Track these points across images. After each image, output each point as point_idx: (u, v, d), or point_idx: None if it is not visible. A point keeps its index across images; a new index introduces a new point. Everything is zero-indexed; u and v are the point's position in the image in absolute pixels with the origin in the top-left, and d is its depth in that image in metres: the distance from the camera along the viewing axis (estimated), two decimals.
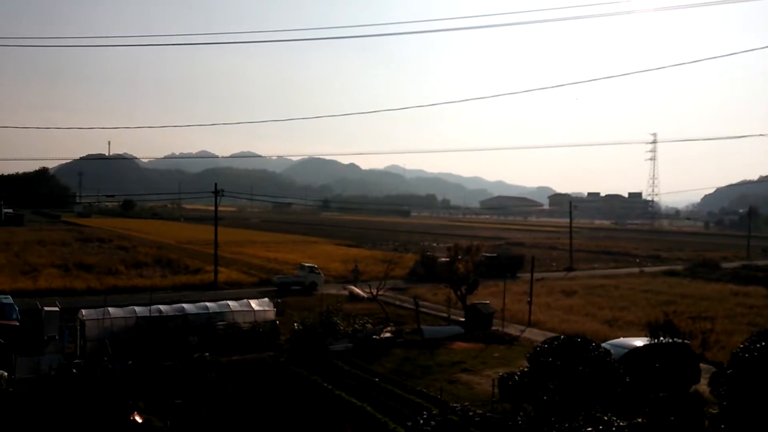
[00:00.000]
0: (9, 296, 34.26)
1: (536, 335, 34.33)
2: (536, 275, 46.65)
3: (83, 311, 29.26)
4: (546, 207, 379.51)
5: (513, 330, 36.90)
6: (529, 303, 40.28)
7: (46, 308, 31.86)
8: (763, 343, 17.10)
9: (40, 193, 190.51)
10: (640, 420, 16.38)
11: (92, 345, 27.71)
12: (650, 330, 23.23)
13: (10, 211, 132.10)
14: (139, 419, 19.30)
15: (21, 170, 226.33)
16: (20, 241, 79.68)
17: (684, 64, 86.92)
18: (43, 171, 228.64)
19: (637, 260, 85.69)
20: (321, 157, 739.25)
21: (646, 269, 73.13)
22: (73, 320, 30.14)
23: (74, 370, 22.00)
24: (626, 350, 23.29)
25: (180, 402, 21.28)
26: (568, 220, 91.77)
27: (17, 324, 30.32)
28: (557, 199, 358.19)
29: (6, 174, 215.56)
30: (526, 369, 20.91)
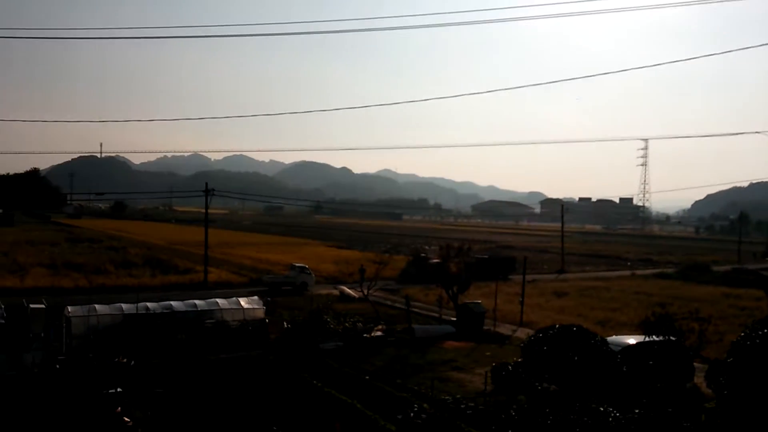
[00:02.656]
0: None
1: (528, 335, 34.05)
2: (528, 277, 46.42)
3: (69, 308, 28.78)
4: (537, 211, 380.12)
5: (505, 330, 36.65)
6: (521, 303, 40.05)
7: (32, 306, 31.27)
8: (765, 330, 16.90)
9: (30, 194, 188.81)
10: (637, 412, 16.09)
11: (78, 342, 27.21)
12: (645, 327, 22.98)
13: (0, 211, 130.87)
14: (126, 419, 18.91)
15: (12, 170, 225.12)
16: (9, 240, 78.68)
17: (677, 61, 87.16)
18: (35, 171, 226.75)
19: (629, 263, 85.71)
20: (313, 161, 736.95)
21: (638, 272, 73.15)
22: (59, 318, 29.64)
23: (57, 366, 21.65)
24: (620, 348, 23.03)
25: (161, 391, 20.90)
26: (559, 225, 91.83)
27: (2, 322, 29.77)
28: (549, 203, 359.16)
29: None
30: (519, 360, 20.62)
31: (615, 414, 16.14)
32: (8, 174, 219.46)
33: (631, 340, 24.62)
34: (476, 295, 43.17)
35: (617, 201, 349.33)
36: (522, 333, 35.50)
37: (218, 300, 32.66)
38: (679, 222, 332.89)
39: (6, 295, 37.53)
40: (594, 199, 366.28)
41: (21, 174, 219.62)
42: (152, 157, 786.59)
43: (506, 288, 49.64)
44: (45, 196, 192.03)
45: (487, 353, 30.66)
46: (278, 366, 26.47)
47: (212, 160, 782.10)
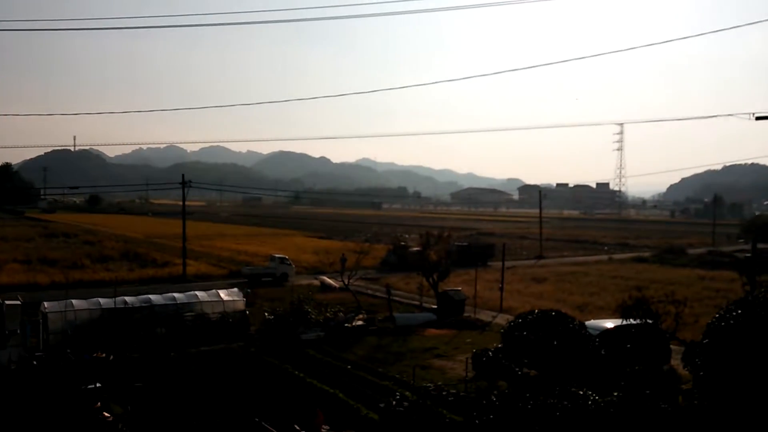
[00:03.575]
0: None
1: (507, 321, 34.31)
2: (507, 263, 46.67)
3: (45, 304, 28.46)
4: (515, 198, 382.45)
5: (485, 316, 36.90)
6: (501, 289, 40.31)
7: (6, 302, 30.77)
8: (739, 311, 17.17)
9: (2, 189, 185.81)
10: (615, 394, 16.31)
11: (55, 338, 26.96)
12: (622, 311, 23.23)
13: None
14: (106, 414, 18.76)
15: None
16: None
17: (651, 45, 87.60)
18: (6, 166, 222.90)
19: (606, 248, 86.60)
20: (292, 151, 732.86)
21: (615, 256, 73.94)
22: (35, 314, 29.28)
23: (35, 363, 21.39)
24: (598, 331, 23.30)
25: (140, 386, 20.78)
26: (537, 211, 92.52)
27: None
28: (527, 190, 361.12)
29: None
30: (499, 346, 20.77)
31: (594, 397, 16.33)
32: None
33: (609, 324, 24.89)
34: (456, 283, 43.41)
35: (594, 186, 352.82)
36: (502, 319, 35.74)
37: (197, 293, 32.51)
38: (655, 206, 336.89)
39: None
40: (571, 185, 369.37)
41: None
42: (127, 150, 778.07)
43: (486, 275, 49.95)
44: (17, 192, 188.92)
45: (468, 340, 30.86)
46: (260, 357, 26.43)
47: (188, 151, 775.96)
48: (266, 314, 31.44)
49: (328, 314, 32.50)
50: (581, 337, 20.35)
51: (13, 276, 47.13)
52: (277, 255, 54.91)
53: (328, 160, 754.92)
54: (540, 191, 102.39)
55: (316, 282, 49.23)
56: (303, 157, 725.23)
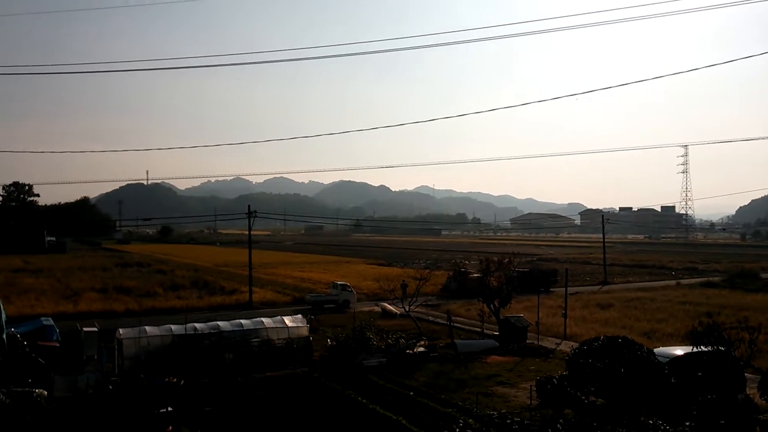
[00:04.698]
0: (50, 319, 35.02)
1: (572, 348, 33.65)
2: (570, 289, 45.92)
3: (120, 330, 29.66)
4: (577, 223, 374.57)
5: (548, 343, 36.33)
6: (564, 316, 39.62)
7: (85, 329, 32.32)
8: None
9: (81, 222, 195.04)
10: (688, 424, 15.87)
11: (129, 363, 28.01)
12: (693, 337, 22.58)
13: (53, 239, 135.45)
14: None
15: (63, 200, 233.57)
16: (62, 267, 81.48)
17: (714, 65, 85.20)
18: (84, 200, 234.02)
19: (673, 273, 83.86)
20: (352, 180, 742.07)
21: (683, 281, 71.54)
22: (111, 340, 30.57)
23: (111, 387, 22.34)
24: (667, 359, 22.69)
25: (210, 410, 21.38)
26: (600, 236, 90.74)
27: (57, 345, 30.95)
28: (589, 214, 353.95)
29: (48, 204, 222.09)
30: (565, 373, 20.48)
31: (665, 427, 15.94)
32: (60, 203, 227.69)
33: (679, 351, 24.21)
34: (518, 309, 42.93)
35: (659, 209, 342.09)
36: (566, 346, 35.08)
37: (263, 319, 33.24)
38: (724, 229, 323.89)
39: (60, 320, 38.77)
40: (635, 209, 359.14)
41: (72, 203, 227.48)
42: (197, 183, 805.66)
43: (548, 301, 49.20)
44: (95, 223, 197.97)
45: (531, 367, 30.46)
46: (323, 383, 26.81)
47: (254, 183, 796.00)
48: (329, 340, 31.90)
49: (389, 340, 32.69)
50: (650, 365, 19.89)
51: (91, 304, 49.29)
52: (339, 282, 55.61)
53: (388, 189, 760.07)
54: (602, 216, 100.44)
55: (377, 308, 49.53)
56: (363, 186, 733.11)
